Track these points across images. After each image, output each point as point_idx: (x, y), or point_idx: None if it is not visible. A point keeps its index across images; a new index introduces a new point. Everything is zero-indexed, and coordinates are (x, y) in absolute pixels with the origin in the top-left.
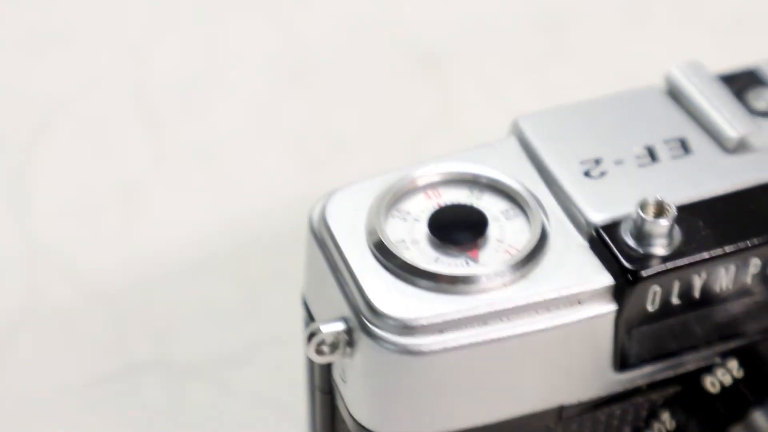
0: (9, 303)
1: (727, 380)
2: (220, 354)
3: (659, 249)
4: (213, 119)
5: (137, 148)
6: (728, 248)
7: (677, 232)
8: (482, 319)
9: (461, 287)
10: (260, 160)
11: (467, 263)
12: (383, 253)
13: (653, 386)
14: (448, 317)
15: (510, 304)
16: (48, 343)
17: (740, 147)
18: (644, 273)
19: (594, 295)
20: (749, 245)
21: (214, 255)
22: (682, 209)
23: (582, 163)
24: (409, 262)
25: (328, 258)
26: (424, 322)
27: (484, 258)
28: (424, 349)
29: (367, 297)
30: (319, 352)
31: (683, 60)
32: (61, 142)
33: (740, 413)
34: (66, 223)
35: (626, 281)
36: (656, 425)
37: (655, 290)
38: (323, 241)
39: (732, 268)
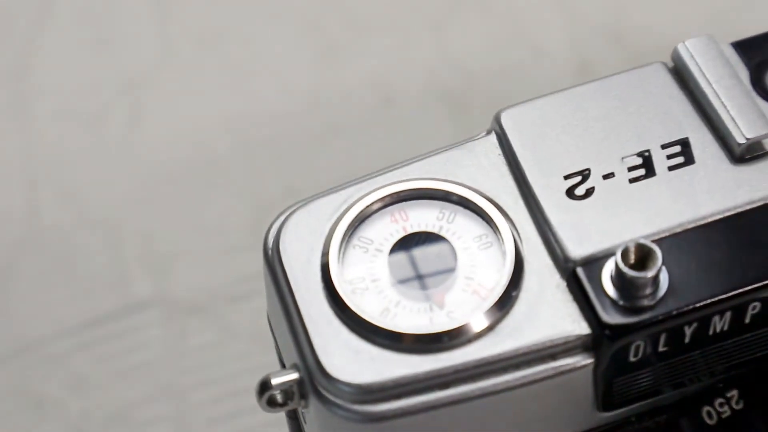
0: (9, 231)
1: (726, 412)
2: (221, 289)
3: (642, 300)
4: (221, 2)
5: (142, 39)
6: (723, 296)
7: (664, 277)
8: (445, 382)
9: (421, 346)
10: (271, 48)
11: (431, 308)
12: (336, 302)
13: (644, 416)
14: (407, 381)
15: (475, 364)
16: (47, 278)
17: (750, 153)
18: (623, 327)
19: (569, 348)
20: (747, 289)
21: (221, 166)
22: (673, 241)
23: (566, 177)
24: (363, 317)
25: (281, 296)
26: (379, 388)
27: (450, 301)
28: (380, 415)
29: (318, 356)
30: (271, 403)
31: (695, 34)
32: (63, 31)
33: None
34: (67, 132)
35: (604, 335)
36: None
37: (637, 344)
38: (276, 275)
39: (728, 314)
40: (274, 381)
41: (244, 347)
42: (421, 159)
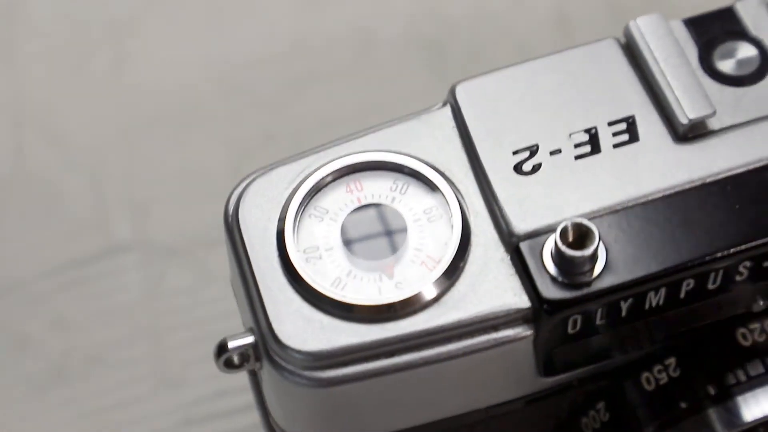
0: None
1: (663, 378)
2: (199, 234)
3: (580, 276)
4: None
5: None
6: (657, 273)
7: (602, 254)
8: (391, 350)
9: (369, 316)
10: None
11: (380, 278)
12: (289, 271)
13: (586, 380)
14: (354, 350)
15: (420, 334)
16: (30, 219)
17: (693, 132)
18: (561, 302)
19: (510, 320)
20: (681, 267)
21: (203, 111)
22: (613, 218)
23: (515, 152)
24: (314, 286)
25: (239, 262)
26: (329, 355)
27: (399, 272)
28: (328, 381)
29: (271, 323)
30: (228, 364)
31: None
32: None
33: (674, 412)
34: (52, 74)
35: (543, 309)
36: (591, 413)
37: (575, 318)
38: (235, 242)
39: (663, 290)
40: (231, 344)
41: (221, 291)
42: (378, 130)
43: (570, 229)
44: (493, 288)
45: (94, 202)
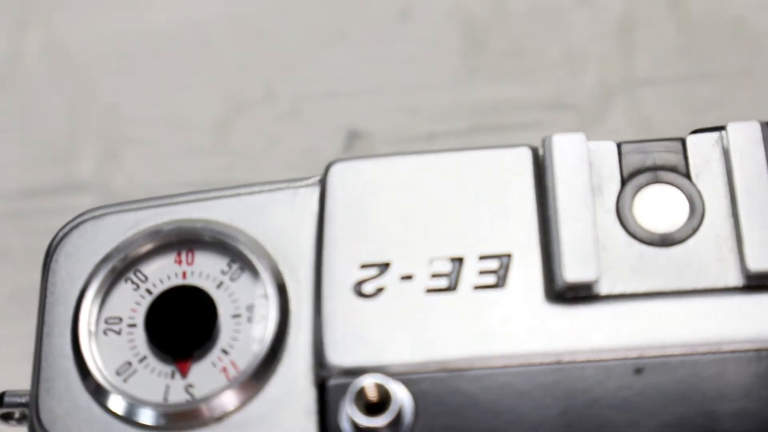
0: None
1: None
2: (164, 190)
3: None
4: None
5: None
6: None
7: (408, 419)
8: None
9: (140, 414)
10: None
11: (172, 375)
12: (75, 348)
13: None
14: None
15: None
16: (3, 131)
17: (572, 293)
18: None
19: None
20: None
21: (210, 54)
22: (440, 377)
23: (363, 266)
24: (92, 370)
25: (39, 310)
26: None
27: (195, 375)
28: None
29: (38, 399)
30: (6, 417)
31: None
32: None
33: None
34: None
35: None
36: None
37: None
38: (42, 287)
39: None
40: (7, 399)
41: None
42: (237, 195)
43: (367, 387)
44: (287, 423)
45: (70, 129)
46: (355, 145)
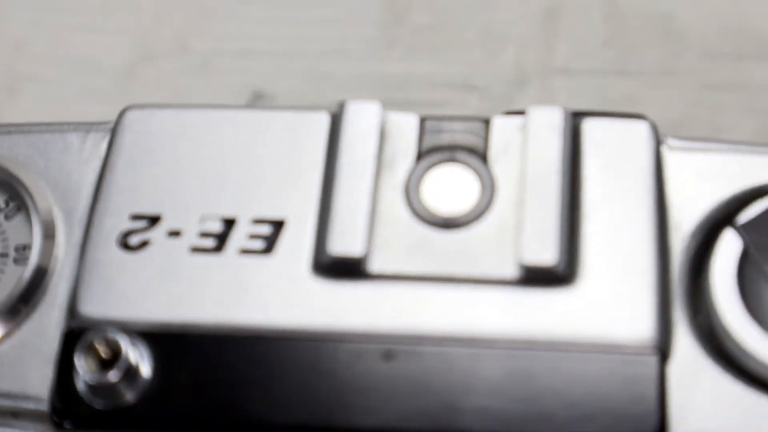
0: None
1: None
2: None
3: (111, 397)
4: None
5: None
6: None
7: (144, 377)
8: None
9: None
10: None
11: None
12: None
13: None
14: None
15: None
16: None
17: (338, 268)
18: (66, 425)
19: (28, 414)
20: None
21: None
22: (196, 338)
23: (133, 217)
24: None
25: None
26: None
27: None
28: None
29: None
30: None
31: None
32: None
33: None
34: None
35: (51, 419)
36: None
37: None
38: None
39: None
40: None
41: None
42: (29, 132)
43: (96, 342)
44: (30, 371)
45: None
46: (257, 105)
